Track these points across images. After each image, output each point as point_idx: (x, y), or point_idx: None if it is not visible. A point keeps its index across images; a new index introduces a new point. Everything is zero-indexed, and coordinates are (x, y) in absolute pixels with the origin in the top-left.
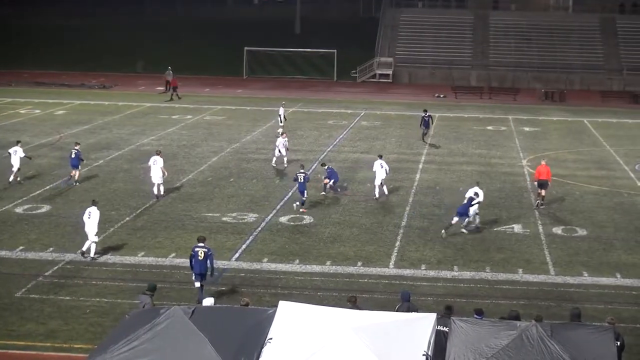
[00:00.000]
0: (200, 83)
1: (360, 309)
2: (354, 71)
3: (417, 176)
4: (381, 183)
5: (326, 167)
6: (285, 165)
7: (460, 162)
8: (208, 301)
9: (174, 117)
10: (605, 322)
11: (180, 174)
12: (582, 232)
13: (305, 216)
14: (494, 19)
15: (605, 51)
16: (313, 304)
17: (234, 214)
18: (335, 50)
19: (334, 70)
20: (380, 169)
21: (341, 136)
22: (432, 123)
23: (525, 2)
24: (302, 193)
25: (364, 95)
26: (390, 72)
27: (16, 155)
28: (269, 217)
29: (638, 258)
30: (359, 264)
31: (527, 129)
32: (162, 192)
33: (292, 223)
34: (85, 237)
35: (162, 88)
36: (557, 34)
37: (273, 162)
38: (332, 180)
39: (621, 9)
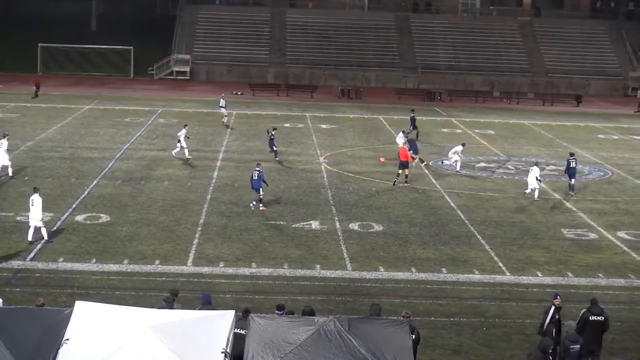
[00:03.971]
0: None
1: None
2: (151, 68)
3: (215, 173)
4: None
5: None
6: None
7: (258, 160)
8: None
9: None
10: (400, 316)
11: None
12: (378, 227)
13: (101, 215)
14: (291, 17)
15: (400, 49)
16: (110, 303)
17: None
18: (132, 47)
19: (131, 67)
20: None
21: (138, 134)
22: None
23: (322, 1)
24: (257, 191)
25: (162, 92)
26: (187, 69)
27: (2, 148)
28: (65, 216)
29: (432, 252)
30: (157, 262)
31: (324, 126)
32: (10, 173)
33: (88, 222)
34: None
35: None
36: (353, 33)
37: (178, 153)
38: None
39: (415, 8)
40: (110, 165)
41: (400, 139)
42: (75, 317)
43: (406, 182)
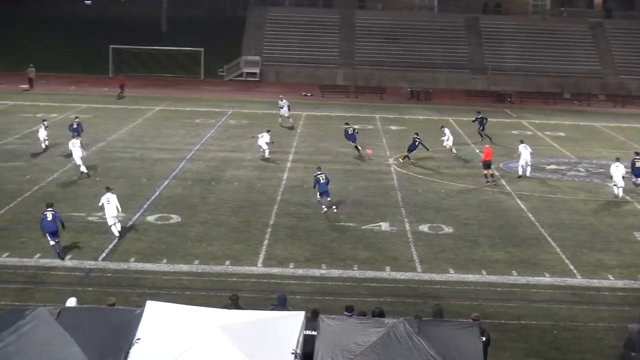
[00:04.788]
0: (66, 81)
1: (241, 309)
2: (221, 69)
3: (285, 175)
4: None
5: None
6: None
7: (327, 161)
8: (71, 301)
9: (38, 115)
10: (470, 318)
11: (45, 173)
12: (448, 229)
13: (172, 215)
14: (360, 18)
15: (470, 51)
16: (180, 303)
17: (99, 214)
18: (203, 49)
19: (201, 69)
20: (525, 150)
21: (208, 135)
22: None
23: (390, 2)
24: (326, 194)
25: (231, 93)
26: (257, 70)
27: (75, 147)
28: (136, 217)
29: (502, 255)
30: (227, 262)
31: (393, 127)
32: (84, 170)
33: (159, 222)
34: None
35: (25, 86)
36: (422, 34)
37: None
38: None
39: (485, 9)
40: (180, 166)
41: (448, 138)
42: (146, 317)
43: (492, 181)
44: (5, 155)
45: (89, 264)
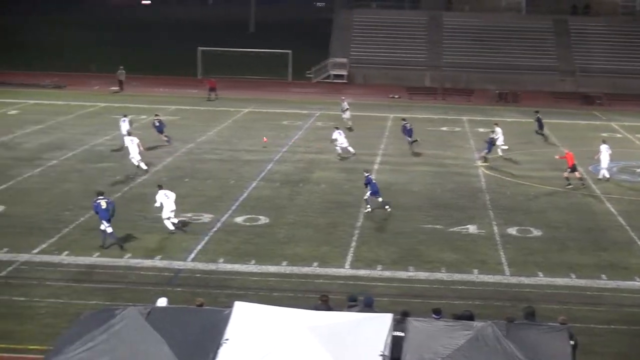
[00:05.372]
0: (155, 83)
1: (331, 309)
2: (309, 72)
3: (372, 176)
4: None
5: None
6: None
7: (414, 163)
8: (162, 301)
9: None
10: (557, 322)
11: (135, 175)
12: (536, 232)
13: (260, 217)
14: (447, 20)
15: (558, 53)
16: (268, 304)
17: (188, 215)
18: (291, 51)
19: (289, 71)
20: (605, 152)
21: (296, 136)
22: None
23: (478, 3)
24: (377, 194)
25: (319, 95)
26: (345, 72)
27: (133, 144)
28: (224, 218)
29: (591, 258)
30: (315, 264)
31: (481, 129)
32: (143, 167)
33: (247, 224)
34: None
35: (115, 88)
36: (510, 35)
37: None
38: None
39: (573, 11)
40: (268, 167)
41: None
42: (235, 318)
43: (582, 184)
44: (96, 156)
45: (178, 264)
